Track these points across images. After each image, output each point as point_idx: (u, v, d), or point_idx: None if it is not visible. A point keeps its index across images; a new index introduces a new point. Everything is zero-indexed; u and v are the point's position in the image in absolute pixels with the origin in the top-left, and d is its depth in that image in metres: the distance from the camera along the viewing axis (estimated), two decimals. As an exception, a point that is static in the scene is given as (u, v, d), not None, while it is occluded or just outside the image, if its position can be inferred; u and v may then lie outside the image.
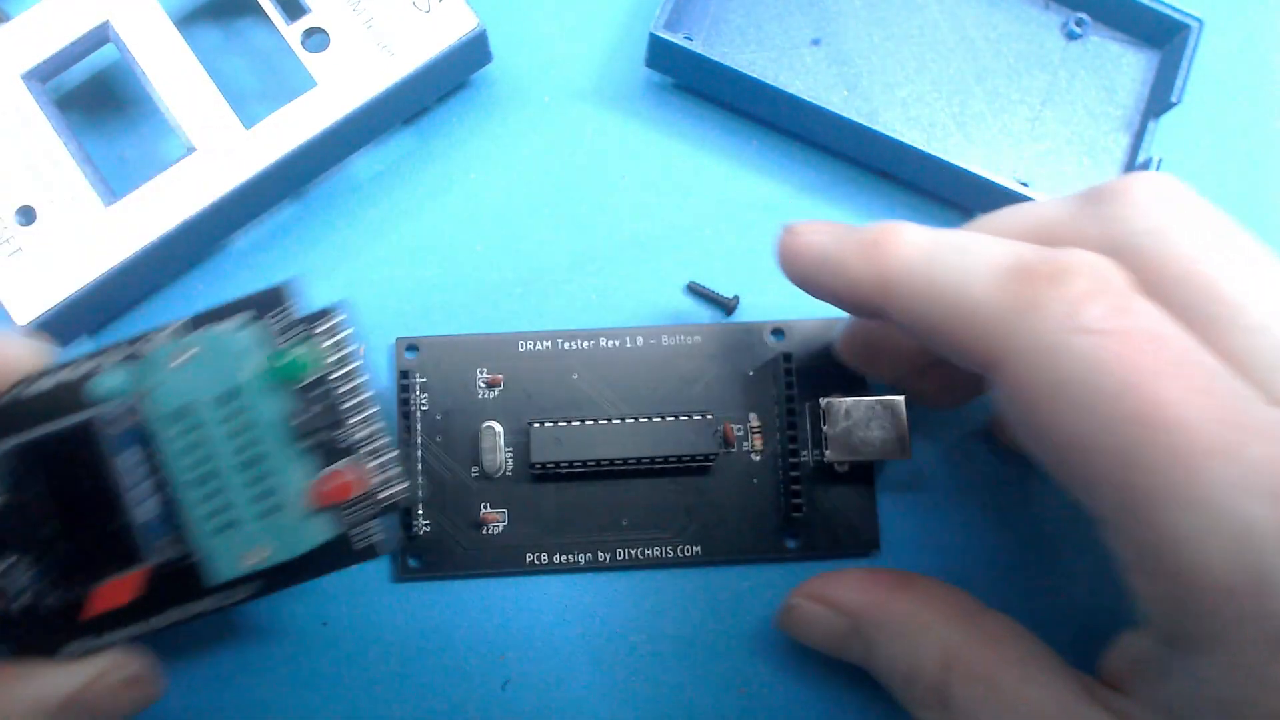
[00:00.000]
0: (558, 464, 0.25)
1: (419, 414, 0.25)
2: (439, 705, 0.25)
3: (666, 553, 0.25)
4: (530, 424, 0.25)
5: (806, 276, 0.22)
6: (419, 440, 0.25)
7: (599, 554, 0.25)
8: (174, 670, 0.25)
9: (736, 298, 0.27)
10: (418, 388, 0.26)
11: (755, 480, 0.26)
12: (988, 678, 0.20)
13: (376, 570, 0.25)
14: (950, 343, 0.19)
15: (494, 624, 0.25)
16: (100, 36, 0.25)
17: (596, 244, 0.28)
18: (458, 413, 0.26)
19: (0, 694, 0.19)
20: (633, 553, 0.25)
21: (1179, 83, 0.28)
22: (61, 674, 0.20)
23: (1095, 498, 0.17)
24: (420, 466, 0.25)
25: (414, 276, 0.27)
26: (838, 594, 0.23)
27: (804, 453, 0.26)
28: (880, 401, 0.25)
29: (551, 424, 0.25)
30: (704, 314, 0.27)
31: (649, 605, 0.26)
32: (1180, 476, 0.15)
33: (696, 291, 0.27)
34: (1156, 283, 0.18)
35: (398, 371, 0.25)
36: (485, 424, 0.26)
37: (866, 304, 0.20)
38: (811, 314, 0.27)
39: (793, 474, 0.25)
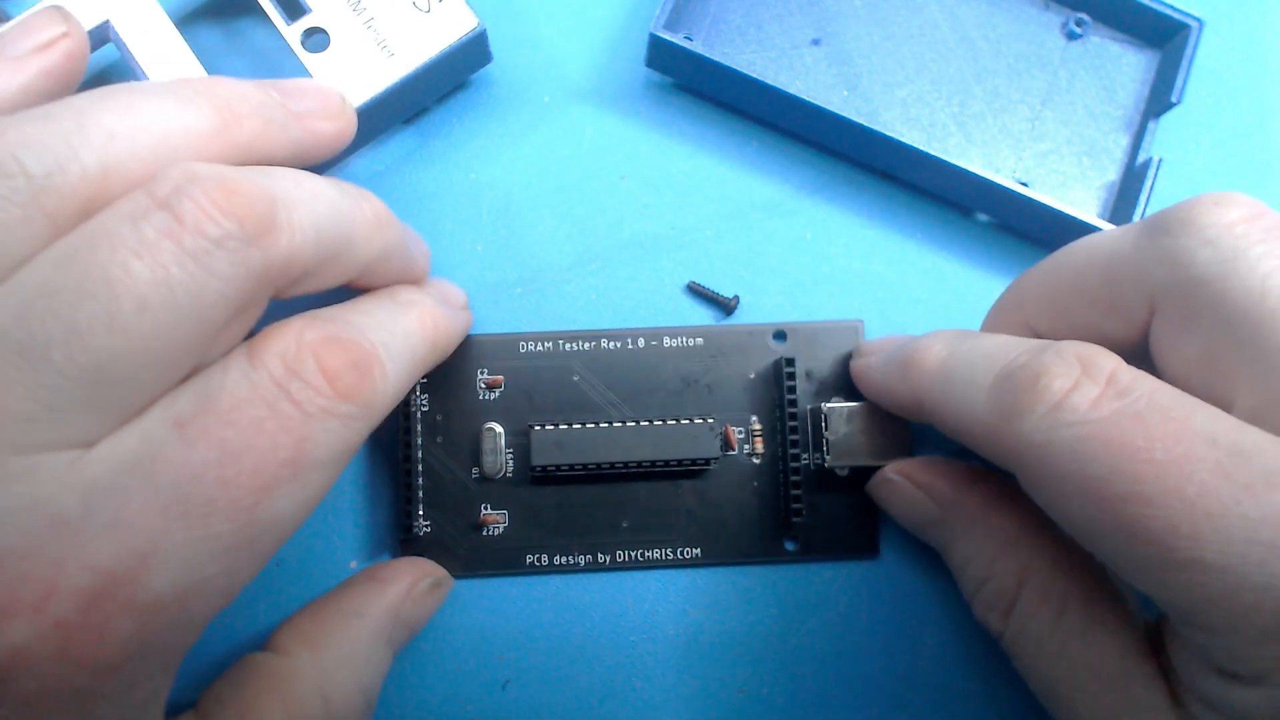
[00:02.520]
0: (558, 467, 0.25)
1: (419, 415, 0.25)
2: (439, 705, 0.25)
3: (666, 554, 0.25)
4: (531, 427, 0.25)
5: (871, 396, 0.25)
6: (419, 441, 0.25)
7: (599, 555, 0.25)
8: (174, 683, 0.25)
9: (736, 298, 0.27)
10: (417, 388, 0.26)
11: (755, 483, 0.26)
12: (1058, 606, 0.21)
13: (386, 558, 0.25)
14: (970, 445, 0.20)
15: (494, 624, 0.25)
16: (100, 36, 0.25)
17: (596, 244, 0.28)
18: (458, 414, 0.26)
19: (377, 585, 0.24)
20: (632, 554, 0.25)
21: (1179, 83, 0.28)
22: (405, 572, 0.24)
23: (1125, 573, 0.17)
24: (420, 467, 0.25)
25: (414, 277, 0.27)
26: (936, 483, 0.24)
27: (804, 456, 0.26)
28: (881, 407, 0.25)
29: (553, 427, 0.25)
30: (704, 314, 0.27)
31: (648, 605, 0.26)
32: (1185, 544, 0.16)
33: (696, 291, 0.27)
34: (1219, 321, 0.18)
35: None
36: (486, 425, 0.26)
37: (914, 413, 0.23)
38: (812, 317, 0.27)
39: (793, 478, 0.25)
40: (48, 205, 0.16)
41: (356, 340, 0.18)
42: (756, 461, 0.26)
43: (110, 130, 0.17)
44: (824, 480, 0.26)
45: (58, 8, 0.21)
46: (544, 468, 0.25)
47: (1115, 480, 0.16)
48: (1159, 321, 0.19)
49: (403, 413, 0.25)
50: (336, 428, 0.17)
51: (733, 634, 0.26)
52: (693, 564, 0.26)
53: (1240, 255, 0.18)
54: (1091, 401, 0.17)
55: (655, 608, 0.26)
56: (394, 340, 0.20)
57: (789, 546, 0.26)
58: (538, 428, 0.25)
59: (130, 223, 0.16)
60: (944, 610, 0.26)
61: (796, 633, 0.26)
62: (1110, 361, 0.18)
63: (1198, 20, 0.28)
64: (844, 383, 0.26)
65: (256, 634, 0.25)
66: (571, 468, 0.25)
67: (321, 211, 0.18)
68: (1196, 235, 0.18)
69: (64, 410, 0.15)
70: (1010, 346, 0.20)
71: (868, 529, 0.26)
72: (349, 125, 0.22)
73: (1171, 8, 0.28)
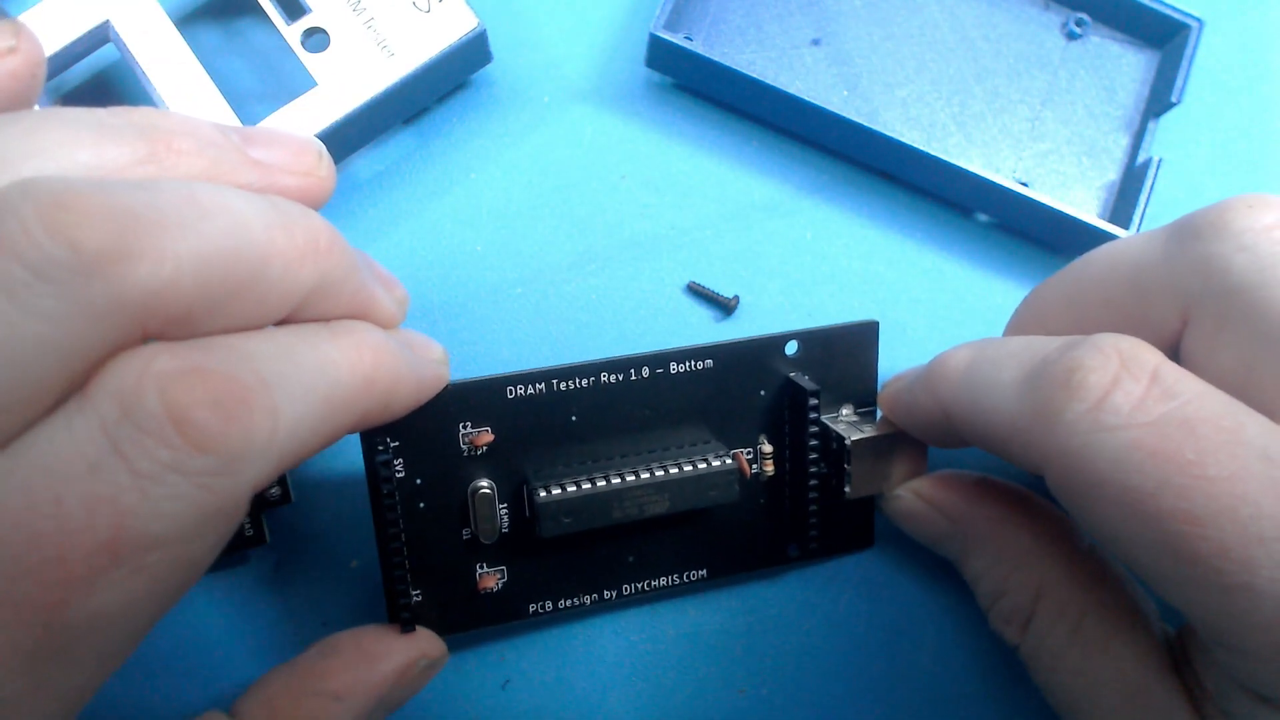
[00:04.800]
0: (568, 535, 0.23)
1: (396, 481, 0.22)
2: (439, 705, 0.25)
3: (673, 580, 0.25)
4: (530, 487, 0.22)
5: (901, 421, 0.23)
6: (399, 510, 0.22)
7: (605, 592, 0.24)
8: (174, 684, 0.25)
9: (736, 297, 0.27)
10: (389, 450, 0.21)
11: (762, 500, 0.25)
12: (1075, 620, 0.20)
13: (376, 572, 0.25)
14: (999, 453, 0.19)
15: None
16: (100, 36, 0.25)
17: (596, 244, 0.28)
18: (441, 475, 0.22)
19: (365, 662, 0.21)
20: (639, 586, 0.24)
21: (1179, 83, 0.28)
22: (398, 651, 0.22)
23: (1161, 590, 0.17)
24: (404, 536, 0.22)
25: (413, 277, 0.27)
26: (948, 498, 0.23)
27: (812, 469, 0.24)
28: (901, 434, 0.24)
29: (558, 490, 0.22)
30: (704, 314, 0.27)
31: (648, 606, 0.26)
32: (1234, 568, 0.15)
33: (696, 291, 0.27)
34: (1256, 332, 0.17)
35: (362, 444, 0.21)
36: (476, 487, 0.22)
37: (942, 429, 0.21)
38: (812, 316, 0.27)
39: (811, 495, 0.24)
40: None
41: (229, 371, 0.14)
42: (763, 480, 0.25)
43: (1, 155, 0.15)
44: (825, 487, 0.25)
45: (12, 21, 0.19)
46: (553, 537, 0.22)
47: (1163, 495, 0.15)
48: (1191, 332, 0.18)
49: (375, 481, 0.21)
50: (185, 491, 0.13)
51: (732, 634, 0.26)
52: (698, 587, 0.25)
53: (1279, 263, 0.17)
54: (1135, 402, 0.16)
55: (654, 608, 0.26)
56: (299, 372, 0.16)
57: (792, 552, 0.25)
58: (542, 493, 0.22)
59: None
60: (941, 598, 0.26)
61: (796, 632, 0.26)
62: (1153, 357, 0.17)
63: (1198, 20, 0.28)
64: (854, 389, 0.24)
65: (249, 635, 0.25)
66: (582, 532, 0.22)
67: (214, 233, 0.14)
68: (1231, 241, 0.17)
69: None
70: (1040, 344, 0.18)
71: (862, 522, 0.26)
72: (320, 185, 0.19)
73: (1171, 8, 0.28)
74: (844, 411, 0.25)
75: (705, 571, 0.25)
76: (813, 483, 0.24)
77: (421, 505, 0.22)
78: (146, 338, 0.14)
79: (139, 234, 0.13)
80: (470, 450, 0.22)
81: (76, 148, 0.15)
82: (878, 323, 0.24)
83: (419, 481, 0.22)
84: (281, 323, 0.17)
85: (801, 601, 0.26)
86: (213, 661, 0.25)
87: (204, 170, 0.17)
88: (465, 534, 0.23)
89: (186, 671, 0.25)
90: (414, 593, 0.23)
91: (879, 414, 0.24)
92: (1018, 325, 0.23)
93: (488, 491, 0.22)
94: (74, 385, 0.14)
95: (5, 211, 0.13)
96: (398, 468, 0.22)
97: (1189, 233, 0.18)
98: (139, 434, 0.13)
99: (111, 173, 0.16)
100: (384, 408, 0.18)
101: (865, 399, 0.25)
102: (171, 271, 0.14)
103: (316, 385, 0.16)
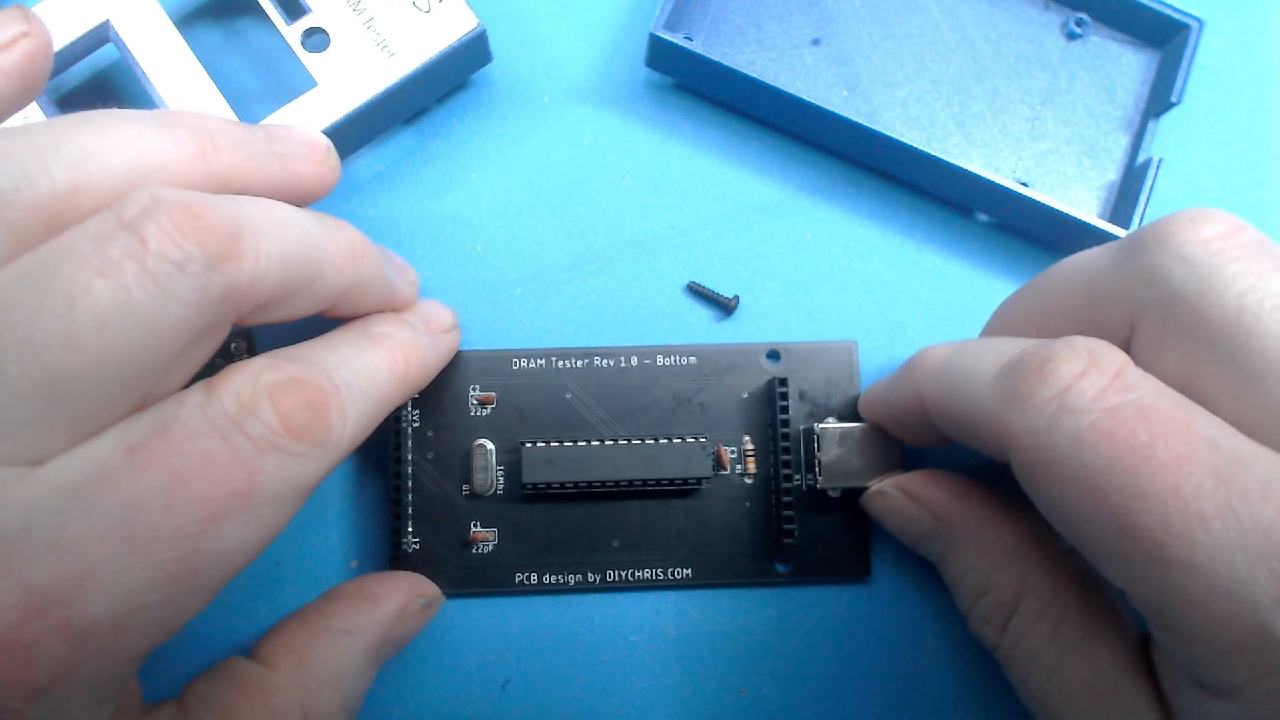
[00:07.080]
0: (549, 484, 0.24)
1: (410, 430, 0.25)
2: (439, 705, 0.25)
3: (657, 574, 0.25)
4: (522, 444, 0.25)
5: (876, 413, 0.25)
6: (409, 457, 0.25)
7: (589, 574, 0.25)
8: (172, 686, 0.25)
9: (736, 297, 0.27)
10: (409, 404, 0.25)
11: (747, 504, 0.26)
12: (1055, 620, 0.21)
13: (377, 569, 0.25)
14: (969, 437, 0.20)
15: (494, 623, 0.25)
16: (100, 36, 0.25)
17: (596, 244, 0.28)
18: (449, 430, 0.25)
19: (368, 601, 0.23)
20: (623, 574, 0.25)
21: (1179, 83, 0.28)
22: (398, 591, 0.24)
23: (1107, 568, 0.17)
24: (410, 483, 0.25)
25: (414, 277, 0.27)
26: (934, 495, 0.23)
27: (796, 477, 0.25)
28: (874, 428, 0.25)
29: (544, 444, 0.24)
30: (704, 314, 0.27)
31: (646, 608, 0.26)
32: (1176, 543, 0.16)
33: (696, 291, 0.27)
34: (1195, 337, 0.18)
35: None
36: (477, 442, 0.25)
37: (915, 416, 0.23)
38: (812, 317, 0.27)
39: (785, 499, 0.25)
40: (11, 218, 0.16)
41: (314, 380, 0.18)
42: (749, 481, 0.26)
43: (85, 149, 0.17)
44: (816, 501, 0.25)
45: (19, 6, 0.20)
46: (534, 485, 0.24)
47: (1113, 472, 0.16)
48: (1138, 338, 0.19)
49: (394, 428, 0.25)
50: (289, 464, 0.17)
51: (733, 634, 0.26)
52: (683, 584, 0.25)
53: (1216, 273, 0.18)
54: (1098, 391, 0.17)
55: (654, 608, 0.26)
56: (358, 379, 0.20)
57: (780, 569, 0.26)
58: (528, 445, 0.24)
59: (94, 242, 0.16)
60: (937, 634, 0.26)
61: (796, 632, 0.26)
62: (1119, 358, 0.18)
63: (1198, 20, 0.28)
64: (837, 404, 0.26)
65: (251, 633, 0.25)
66: (562, 485, 0.24)
67: (289, 240, 0.18)
68: (1172, 252, 0.18)
69: (14, 425, 0.15)
70: (1017, 342, 0.20)
71: (860, 551, 0.26)
72: (331, 173, 0.22)
73: (1171, 8, 0.28)
74: (828, 421, 0.25)
75: (690, 572, 0.25)
76: (786, 471, 0.25)
77: (430, 456, 0.25)
78: (236, 322, 0.18)
79: (244, 238, 0.17)
80: (477, 409, 0.25)
81: (145, 144, 0.18)
82: (855, 343, 0.26)
83: (430, 434, 0.25)
84: (328, 315, 0.21)
85: (802, 602, 0.26)
86: (203, 656, 0.25)
87: (242, 163, 0.19)
88: (465, 489, 0.25)
89: (185, 674, 0.25)
90: (414, 538, 0.25)
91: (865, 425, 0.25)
92: (987, 335, 0.24)
93: (486, 446, 0.25)
94: (191, 361, 0.18)
95: (144, 216, 0.16)
96: (414, 418, 0.25)
97: (1136, 245, 0.19)
98: (258, 422, 0.17)
99: (171, 164, 0.18)
100: (415, 391, 0.23)
101: (848, 415, 0.26)
102: (265, 268, 0.17)
103: (369, 389, 0.20)
